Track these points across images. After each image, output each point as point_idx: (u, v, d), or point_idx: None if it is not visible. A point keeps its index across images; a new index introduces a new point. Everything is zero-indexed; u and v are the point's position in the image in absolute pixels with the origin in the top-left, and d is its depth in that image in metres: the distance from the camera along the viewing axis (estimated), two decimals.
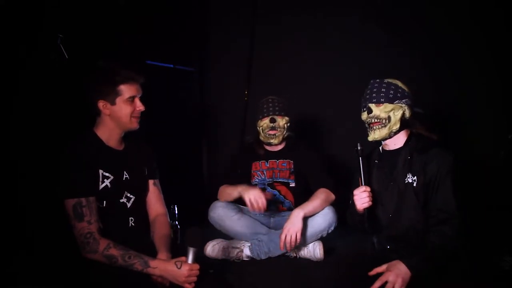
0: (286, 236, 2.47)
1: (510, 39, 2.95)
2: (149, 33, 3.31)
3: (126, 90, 1.88)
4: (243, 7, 3.86)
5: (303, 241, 2.60)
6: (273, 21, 3.74)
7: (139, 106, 1.92)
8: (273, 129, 2.78)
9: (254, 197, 2.51)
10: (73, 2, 2.61)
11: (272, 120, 2.77)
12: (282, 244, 2.49)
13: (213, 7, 3.99)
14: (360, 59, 3.44)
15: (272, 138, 2.81)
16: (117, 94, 1.86)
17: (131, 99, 1.89)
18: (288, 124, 2.84)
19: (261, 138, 2.85)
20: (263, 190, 2.71)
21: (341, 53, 3.52)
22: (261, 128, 2.82)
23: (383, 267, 1.76)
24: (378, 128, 1.95)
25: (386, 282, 1.70)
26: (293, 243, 2.48)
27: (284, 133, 2.83)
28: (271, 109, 2.77)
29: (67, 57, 2.47)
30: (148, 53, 3.41)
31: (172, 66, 3.71)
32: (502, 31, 2.99)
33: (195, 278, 1.75)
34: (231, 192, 2.68)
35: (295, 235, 2.47)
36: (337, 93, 3.51)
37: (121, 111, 1.88)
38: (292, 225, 2.49)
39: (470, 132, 3.13)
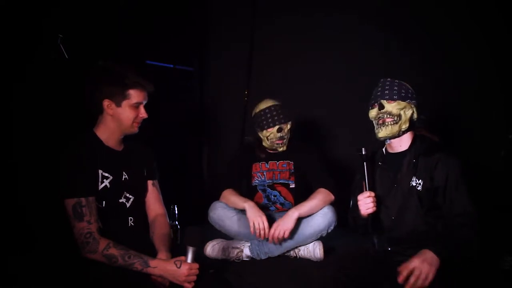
0: (274, 231, 2.50)
1: (510, 39, 2.95)
2: (149, 33, 3.31)
3: (134, 95, 1.88)
4: (243, 7, 3.86)
5: (303, 240, 2.61)
6: (273, 21, 3.74)
7: (143, 113, 1.92)
8: (281, 138, 2.77)
9: (258, 223, 2.52)
10: (73, 2, 2.61)
11: (279, 130, 2.75)
12: (270, 238, 2.51)
13: (213, 7, 4.00)
14: (361, 59, 3.44)
15: (280, 147, 2.81)
16: (125, 97, 1.87)
17: (137, 105, 1.90)
18: (291, 127, 2.83)
19: (265, 145, 2.83)
20: (267, 210, 2.71)
21: (342, 53, 3.52)
22: (266, 137, 2.78)
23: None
24: (391, 124, 1.92)
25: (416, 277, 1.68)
26: (280, 239, 2.51)
27: (288, 137, 2.82)
28: (276, 118, 2.73)
29: (67, 57, 2.47)
30: (148, 53, 3.41)
31: (172, 66, 3.71)
32: (502, 31, 2.99)
33: (195, 278, 1.75)
34: (236, 202, 2.68)
35: (282, 233, 2.49)
36: (337, 93, 3.51)
37: (124, 114, 1.89)
38: (283, 223, 2.51)
39: (470, 133, 3.13)
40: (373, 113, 1.98)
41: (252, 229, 2.53)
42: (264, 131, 2.77)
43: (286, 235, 2.50)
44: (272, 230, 2.51)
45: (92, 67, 1.91)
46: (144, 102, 1.92)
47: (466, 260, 1.79)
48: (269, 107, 2.75)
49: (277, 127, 2.73)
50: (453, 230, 1.81)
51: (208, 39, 4.02)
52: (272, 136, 2.77)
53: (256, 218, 2.53)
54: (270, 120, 2.73)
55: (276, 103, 2.78)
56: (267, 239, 2.58)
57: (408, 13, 3.30)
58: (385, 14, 3.38)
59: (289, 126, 2.79)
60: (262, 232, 2.51)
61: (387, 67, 3.23)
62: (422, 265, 1.67)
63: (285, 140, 2.79)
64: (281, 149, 2.81)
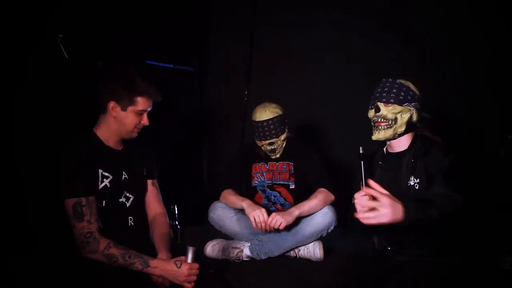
0: (272, 219, 2.51)
1: (510, 39, 2.95)
2: (149, 33, 3.31)
3: (141, 103, 1.88)
4: (243, 7, 3.87)
5: (303, 240, 2.62)
6: (273, 21, 3.75)
7: (145, 121, 1.93)
8: (272, 151, 2.78)
9: (258, 215, 2.53)
10: (73, 2, 2.61)
11: (271, 143, 2.75)
12: (267, 226, 2.51)
13: (213, 7, 4.00)
14: (361, 59, 3.43)
15: (273, 156, 2.82)
16: (131, 103, 1.87)
17: (141, 112, 1.90)
18: (287, 135, 2.80)
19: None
20: (267, 208, 2.69)
21: (342, 53, 3.52)
22: (260, 144, 2.80)
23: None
24: (384, 129, 1.92)
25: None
26: (275, 228, 2.52)
27: (284, 145, 2.81)
28: (267, 133, 2.71)
29: (67, 57, 2.47)
30: (148, 53, 3.41)
31: (172, 66, 3.71)
32: (502, 31, 2.99)
33: (195, 277, 1.75)
34: (235, 202, 2.69)
35: (279, 223, 2.50)
36: (337, 93, 3.51)
37: (127, 119, 1.88)
38: (282, 215, 2.53)
39: (470, 133, 3.13)
40: (370, 114, 1.98)
41: (254, 224, 2.53)
42: (257, 141, 2.79)
43: (282, 227, 2.51)
44: (269, 219, 2.52)
45: (105, 67, 1.91)
46: (148, 110, 1.93)
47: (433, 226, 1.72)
48: (261, 122, 2.70)
49: (268, 141, 2.74)
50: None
51: (208, 39, 4.02)
52: (264, 147, 2.78)
53: (256, 212, 2.54)
54: (261, 134, 2.72)
55: (270, 116, 2.70)
56: (268, 237, 2.59)
57: (408, 13, 3.30)
58: (385, 14, 3.38)
59: (282, 137, 2.77)
60: (263, 225, 2.52)
61: (387, 67, 3.23)
62: (386, 209, 1.63)
63: (277, 151, 2.79)
64: (274, 157, 2.82)
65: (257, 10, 3.84)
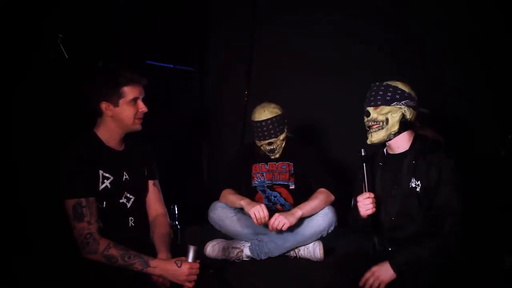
0: (275, 220, 2.50)
1: (510, 39, 2.95)
2: (149, 33, 3.31)
3: (129, 92, 1.87)
4: (243, 7, 3.87)
5: (303, 241, 2.62)
6: (273, 21, 3.75)
7: (142, 108, 1.91)
8: (271, 151, 2.78)
9: (258, 211, 2.52)
10: (73, 2, 2.62)
11: (270, 143, 2.75)
12: (270, 226, 2.51)
13: (213, 7, 4.00)
14: (361, 59, 3.43)
15: (272, 156, 2.82)
16: (120, 96, 1.86)
17: (134, 101, 1.89)
18: (286, 135, 2.80)
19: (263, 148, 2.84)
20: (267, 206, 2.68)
21: (342, 53, 3.52)
22: (259, 144, 2.80)
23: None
24: (375, 131, 1.95)
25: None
26: (278, 229, 2.51)
27: (283, 145, 2.81)
28: (266, 133, 2.71)
29: (67, 57, 2.47)
30: (148, 53, 3.41)
31: (172, 66, 3.71)
32: (502, 31, 2.99)
33: (195, 277, 1.75)
34: (234, 201, 2.69)
35: (282, 224, 2.49)
36: (338, 93, 3.51)
37: (123, 113, 1.88)
38: (285, 216, 2.52)
39: (470, 133, 3.13)
40: (364, 119, 2.01)
41: (254, 220, 2.53)
42: (257, 141, 2.79)
43: (285, 227, 2.50)
44: (272, 219, 2.51)
45: (85, 73, 1.91)
46: (141, 97, 1.91)
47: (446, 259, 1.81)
48: (260, 122, 2.71)
49: (267, 141, 2.74)
50: (432, 227, 1.84)
51: (208, 39, 4.02)
52: (263, 147, 2.78)
53: (256, 207, 2.53)
54: (260, 134, 2.72)
55: (269, 116, 2.70)
56: (268, 237, 2.59)
57: (408, 13, 3.30)
58: (385, 14, 3.38)
59: (281, 137, 2.76)
60: (262, 220, 2.52)
61: (387, 67, 3.23)
62: (376, 277, 1.79)
63: (276, 151, 2.79)
64: (274, 157, 2.82)
65: (257, 10, 3.83)
